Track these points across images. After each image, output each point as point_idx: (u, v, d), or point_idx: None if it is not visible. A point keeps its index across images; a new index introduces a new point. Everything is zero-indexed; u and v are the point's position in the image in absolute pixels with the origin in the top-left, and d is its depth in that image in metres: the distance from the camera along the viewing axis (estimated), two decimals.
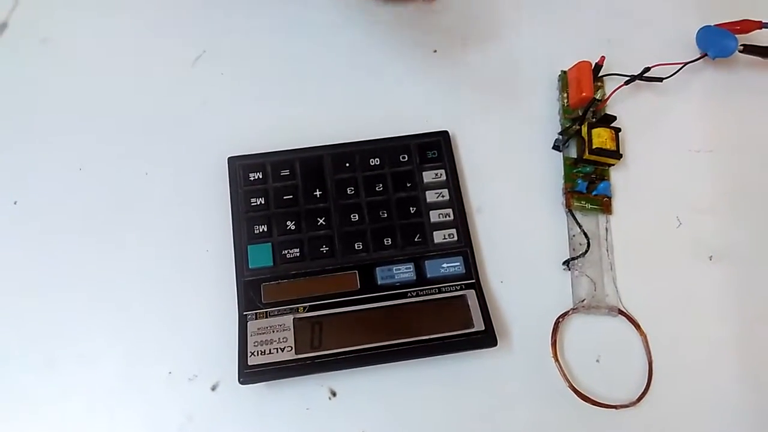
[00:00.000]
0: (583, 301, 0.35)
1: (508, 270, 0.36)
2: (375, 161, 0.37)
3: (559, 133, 0.39)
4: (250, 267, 0.34)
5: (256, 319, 0.33)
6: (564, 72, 0.40)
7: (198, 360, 0.34)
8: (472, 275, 0.35)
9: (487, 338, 0.32)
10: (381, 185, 0.36)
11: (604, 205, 0.37)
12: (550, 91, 0.40)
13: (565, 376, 0.33)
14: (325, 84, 0.40)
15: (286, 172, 0.37)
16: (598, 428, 0.33)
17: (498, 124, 0.40)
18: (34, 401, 0.33)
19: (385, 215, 0.36)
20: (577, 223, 0.36)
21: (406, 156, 0.37)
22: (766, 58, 0.40)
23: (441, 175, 0.37)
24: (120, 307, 0.35)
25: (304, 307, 0.33)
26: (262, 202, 0.36)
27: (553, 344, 0.34)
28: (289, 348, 0.32)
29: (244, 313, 0.33)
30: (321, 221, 0.36)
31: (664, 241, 0.37)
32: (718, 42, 0.40)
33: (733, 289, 0.36)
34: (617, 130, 0.37)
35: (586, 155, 0.37)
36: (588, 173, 0.38)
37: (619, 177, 0.38)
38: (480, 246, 0.36)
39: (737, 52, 0.40)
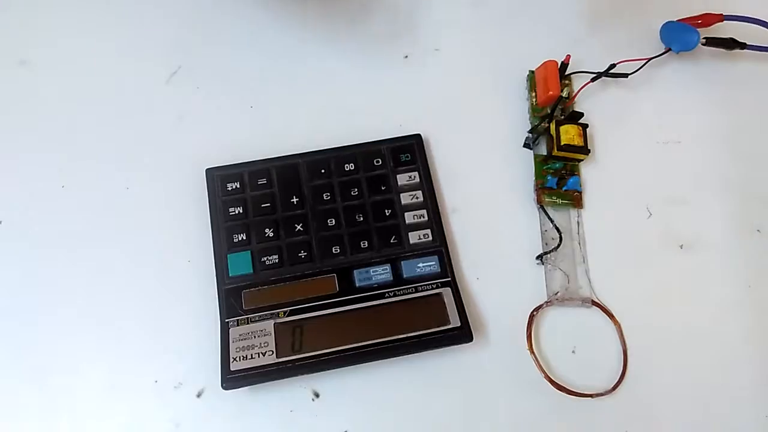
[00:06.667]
0: (557, 293, 0.36)
1: (483, 267, 0.37)
2: (350, 166, 0.38)
3: (529, 132, 0.40)
4: (230, 275, 0.35)
5: (237, 325, 0.34)
6: (532, 72, 0.41)
7: (183, 368, 0.34)
8: (447, 273, 0.35)
9: (463, 334, 0.33)
10: (356, 190, 0.37)
11: (574, 199, 0.38)
12: (519, 91, 0.41)
13: (541, 367, 0.34)
14: (298, 93, 0.41)
15: (263, 181, 0.37)
16: (575, 417, 0.34)
17: (470, 124, 0.41)
18: (20, 415, 0.34)
19: (361, 218, 0.37)
20: (549, 218, 0.37)
21: (380, 160, 0.38)
22: (728, 50, 0.42)
23: (414, 177, 0.38)
24: (105, 319, 0.35)
25: (285, 312, 0.34)
26: (241, 211, 0.37)
27: (529, 337, 0.35)
28: (271, 352, 0.33)
29: (226, 320, 0.34)
30: (299, 227, 0.36)
31: (634, 232, 0.38)
32: (681, 36, 0.41)
33: (703, 277, 0.37)
34: (584, 126, 0.38)
35: (555, 152, 0.38)
36: (558, 169, 0.38)
37: (588, 172, 0.39)
38: (456, 245, 0.37)
39: (700, 45, 0.41)
